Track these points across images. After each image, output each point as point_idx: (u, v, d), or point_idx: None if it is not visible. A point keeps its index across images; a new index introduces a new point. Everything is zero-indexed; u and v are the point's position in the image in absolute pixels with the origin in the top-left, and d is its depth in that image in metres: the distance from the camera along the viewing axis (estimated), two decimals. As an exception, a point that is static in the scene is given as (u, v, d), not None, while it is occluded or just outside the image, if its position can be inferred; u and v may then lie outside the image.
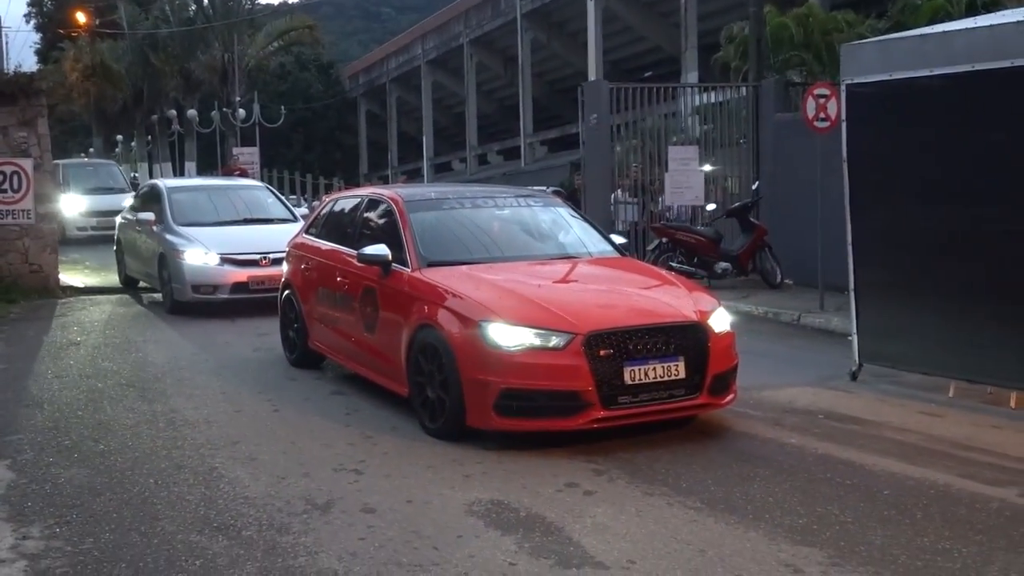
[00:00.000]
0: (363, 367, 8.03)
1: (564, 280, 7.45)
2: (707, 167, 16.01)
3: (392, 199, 8.18)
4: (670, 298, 7.05)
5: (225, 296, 12.40)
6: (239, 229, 13.35)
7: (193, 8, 43.29)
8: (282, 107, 40.29)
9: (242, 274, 12.36)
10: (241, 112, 36.59)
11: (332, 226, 9.16)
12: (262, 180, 26.64)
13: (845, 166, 8.21)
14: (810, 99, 11.87)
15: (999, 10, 11.87)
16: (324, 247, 8.92)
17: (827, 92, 11.58)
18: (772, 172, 14.98)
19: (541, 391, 6.32)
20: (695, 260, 14.06)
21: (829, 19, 21.01)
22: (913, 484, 5.62)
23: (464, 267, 7.33)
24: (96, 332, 11.44)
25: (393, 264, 7.49)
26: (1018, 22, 7.16)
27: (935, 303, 7.66)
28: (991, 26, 7.39)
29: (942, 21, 11.53)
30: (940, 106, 7.52)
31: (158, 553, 4.74)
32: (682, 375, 6.49)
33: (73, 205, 23.57)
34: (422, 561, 4.60)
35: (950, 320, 7.57)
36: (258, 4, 45.16)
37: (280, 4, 59.67)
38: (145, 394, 8.19)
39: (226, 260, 12.42)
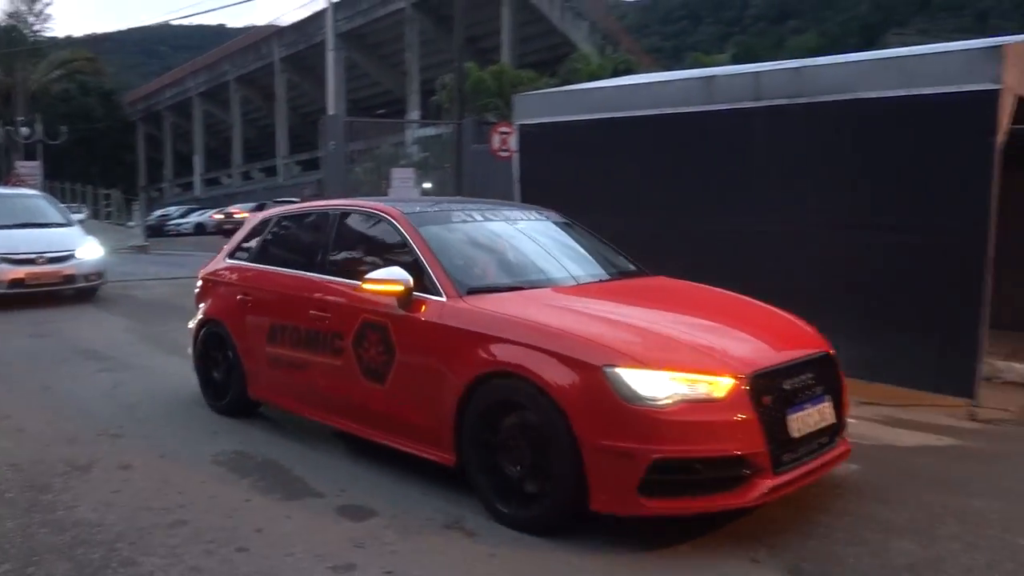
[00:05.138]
0: (359, 424, 4.93)
1: (651, 305, 4.71)
2: (427, 184, 16.27)
3: (386, 212, 5.11)
4: (796, 321, 4.64)
5: (3, 291, 11.17)
6: (17, 232, 12.02)
7: (-23, 36, 38.41)
8: (63, 127, 36.58)
9: (20, 271, 11.21)
10: (25, 130, 32.94)
11: (281, 249, 5.91)
12: (45, 191, 24.10)
13: (518, 185, 8.61)
14: (495, 135, 12.33)
15: (630, 75, 12.89)
16: (276, 274, 5.68)
17: (507, 130, 12.05)
18: (470, 190, 15.42)
19: (702, 459, 3.74)
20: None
21: (516, 75, 22.07)
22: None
23: (515, 294, 4.54)
24: None
25: (414, 292, 4.59)
26: (634, 84, 7.82)
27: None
28: (617, 86, 8.01)
29: (597, 79, 12.33)
30: (585, 142, 8.04)
31: (-80, 517, 4.20)
32: (831, 419, 4.19)
33: None
34: (169, 505, 4.35)
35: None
36: (41, 37, 40.60)
37: (65, 38, 54.26)
38: (-82, 378, 7.19)
39: (4, 259, 11.22)
